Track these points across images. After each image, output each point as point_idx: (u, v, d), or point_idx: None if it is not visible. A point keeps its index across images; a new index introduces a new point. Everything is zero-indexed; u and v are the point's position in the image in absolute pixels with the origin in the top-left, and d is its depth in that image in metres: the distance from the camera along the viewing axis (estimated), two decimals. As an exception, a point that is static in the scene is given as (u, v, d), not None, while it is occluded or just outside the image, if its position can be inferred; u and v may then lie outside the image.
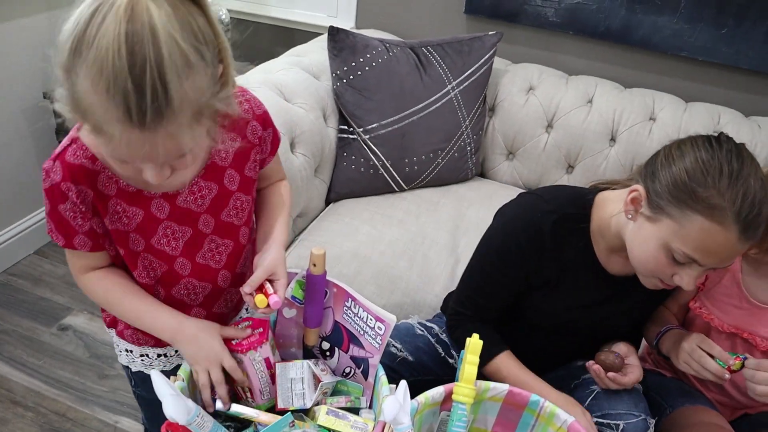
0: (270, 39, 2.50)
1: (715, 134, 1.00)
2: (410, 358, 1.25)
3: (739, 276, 1.20)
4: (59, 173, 0.87)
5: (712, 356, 1.10)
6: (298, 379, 1.09)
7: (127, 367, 1.18)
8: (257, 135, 1.02)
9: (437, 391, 1.04)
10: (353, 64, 1.80)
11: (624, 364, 1.13)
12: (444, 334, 1.32)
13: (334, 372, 1.16)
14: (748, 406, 1.30)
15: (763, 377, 1.06)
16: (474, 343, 1.03)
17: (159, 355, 1.15)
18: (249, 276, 0.99)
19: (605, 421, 1.12)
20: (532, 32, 2.13)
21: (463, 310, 1.23)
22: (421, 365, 1.27)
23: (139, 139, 0.70)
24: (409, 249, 1.67)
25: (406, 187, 1.89)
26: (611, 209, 1.11)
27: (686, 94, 2.01)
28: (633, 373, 1.13)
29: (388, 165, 1.83)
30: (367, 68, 1.80)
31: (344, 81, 1.80)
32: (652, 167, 1.02)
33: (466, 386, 1.02)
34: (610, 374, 1.11)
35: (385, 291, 1.57)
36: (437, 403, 1.06)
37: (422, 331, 1.31)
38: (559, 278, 1.15)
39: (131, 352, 1.15)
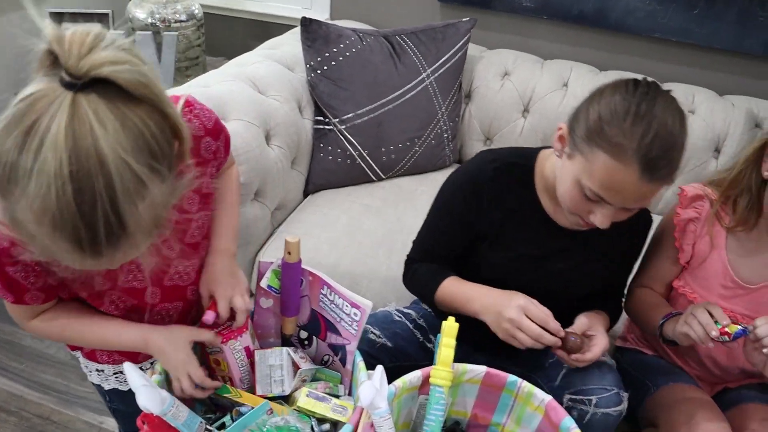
0: (245, 33, 2.48)
1: (640, 78, 1.01)
2: (389, 344, 1.25)
3: (725, 256, 1.21)
4: (6, 239, 0.78)
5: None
6: (277, 366, 1.09)
7: (99, 385, 1.16)
8: (211, 150, 0.99)
9: (415, 375, 1.04)
10: (327, 54, 1.79)
11: (584, 341, 1.11)
12: (422, 320, 1.32)
13: (313, 360, 1.16)
14: (727, 380, 1.32)
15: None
16: (449, 326, 1.03)
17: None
18: None
19: (578, 397, 1.12)
20: (507, 18, 2.12)
21: (413, 255, 1.27)
22: (400, 351, 1.27)
23: (93, 264, 0.67)
24: (387, 237, 1.67)
25: (384, 176, 1.89)
26: (553, 160, 1.12)
27: (661, 75, 2.01)
28: (597, 346, 1.11)
29: (365, 154, 1.83)
30: (340, 58, 1.79)
31: (318, 72, 1.80)
32: (578, 108, 1.03)
33: (443, 369, 1.02)
34: (573, 356, 1.10)
35: (364, 279, 1.57)
36: (415, 387, 1.05)
37: (400, 317, 1.31)
38: (503, 226, 1.15)
39: (102, 371, 1.13)
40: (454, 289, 1.18)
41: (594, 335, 1.13)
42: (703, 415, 1.15)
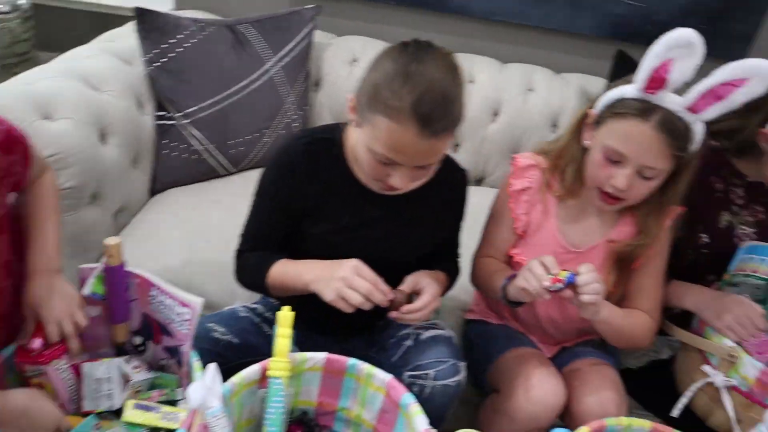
0: (84, 27, 2.32)
1: (409, 40, 1.04)
2: (235, 340, 1.22)
3: (555, 223, 1.28)
4: None
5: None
6: (105, 379, 1.03)
7: None
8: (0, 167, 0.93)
9: (252, 370, 1.02)
10: (164, 46, 1.71)
11: (411, 297, 1.13)
12: (269, 312, 1.30)
13: (150, 366, 1.11)
14: (565, 340, 1.40)
15: (589, 287, 1.09)
16: (283, 316, 1.01)
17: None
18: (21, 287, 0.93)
19: (416, 373, 1.14)
20: (355, 4, 2.13)
21: (240, 248, 1.26)
22: (249, 347, 1.24)
23: None
24: (237, 232, 1.62)
25: (234, 170, 1.84)
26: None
27: (502, 56, 2.10)
28: (425, 293, 1.13)
29: (212, 148, 1.77)
30: (180, 49, 1.72)
31: (157, 65, 1.71)
32: (362, 77, 1.06)
33: (279, 360, 1.01)
34: (403, 308, 1.12)
35: (216, 278, 1.52)
36: (254, 382, 1.03)
37: (246, 313, 1.29)
38: (321, 200, 1.17)
39: None
40: (284, 269, 1.17)
41: (423, 287, 1.15)
42: (536, 372, 1.21)
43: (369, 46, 2.03)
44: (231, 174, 1.85)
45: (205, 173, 1.80)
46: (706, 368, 1.23)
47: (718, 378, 1.20)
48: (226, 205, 1.71)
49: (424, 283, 1.15)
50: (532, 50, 2.13)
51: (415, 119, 0.96)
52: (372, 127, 1.01)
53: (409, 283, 1.16)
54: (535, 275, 1.09)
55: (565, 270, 1.10)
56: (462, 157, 2.02)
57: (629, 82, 1.11)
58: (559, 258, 1.26)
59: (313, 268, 1.13)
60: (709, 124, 1.37)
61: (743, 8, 2.05)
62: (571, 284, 1.09)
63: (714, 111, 1.06)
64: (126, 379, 1.04)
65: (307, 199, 1.17)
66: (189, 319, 1.01)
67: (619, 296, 1.26)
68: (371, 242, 1.19)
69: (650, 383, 1.43)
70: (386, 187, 1.09)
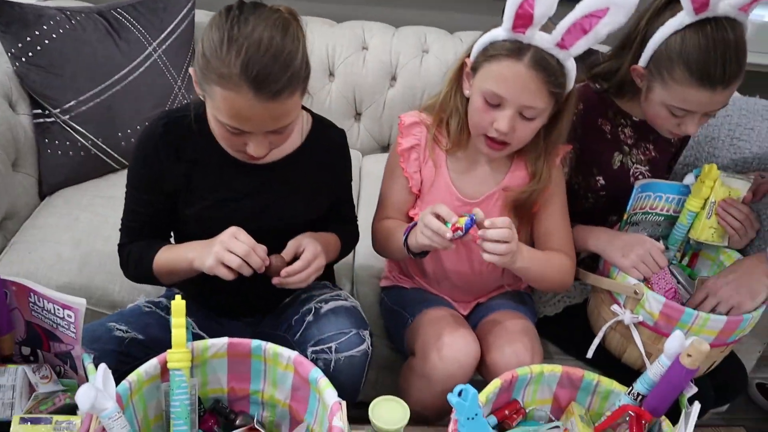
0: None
1: (234, 3, 1.00)
2: (140, 336, 1.16)
3: (447, 176, 1.27)
4: None
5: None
6: (8, 387, 0.97)
7: None
8: None
9: (150, 365, 0.97)
10: (28, 39, 1.59)
11: (285, 260, 1.11)
12: (172, 304, 1.25)
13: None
14: (478, 295, 1.41)
15: (493, 234, 1.08)
16: (177, 305, 0.97)
17: None
18: None
19: (319, 347, 1.12)
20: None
21: (121, 241, 1.21)
22: (156, 342, 1.19)
23: None
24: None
25: (126, 163, 1.75)
26: None
27: (395, 19, 2.08)
28: (307, 251, 1.11)
29: (99, 142, 1.68)
30: (46, 41, 1.61)
31: (23, 60, 1.60)
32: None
33: (177, 351, 0.97)
34: (283, 271, 1.09)
35: (117, 276, 1.44)
36: (155, 377, 0.99)
37: (150, 307, 1.23)
38: (190, 178, 1.14)
39: None
40: (167, 254, 1.14)
41: (304, 248, 1.12)
42: (447, 331, 1.21)
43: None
44: (124, 167, 1.76)
45: (97, 169, 1.71)
46: (615, 308, 1.26)
47: (626, 315, 1.24)
48: (120, 201, 1.62)
49: (304, 243, 1.13)
50: (424, 12, 2.12)
51: (247, 84, 0.93)
52: (211, 99, 0.99)
53: (290, 248, 1.12)
54: (435, 230, 1.07)
55: (462, 216, 1.08)
56: (364, 125, 2.01)
57: (497, 27, 1.11)
58: (458, 211, 1.25)
59: (195, 245, 1.10)
60: (589, 69, 1.40)
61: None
62: (471, 227, 1.07)
63: (582, 45, 1.07)
64: (32, 390, 0.98)
65: (176, 180, 1.13)
66: (74, 322, 0.95)
67: (523, 242, 1.28)
68: (251, 214, 1.16)
69: (568, 328, 1.47)
70: (248, 156, 1.06)
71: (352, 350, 1.11)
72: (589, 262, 1.43)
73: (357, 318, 1.17)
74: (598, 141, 1.38)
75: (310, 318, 1.18)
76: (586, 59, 1.27)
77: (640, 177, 1.41)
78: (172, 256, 1.13)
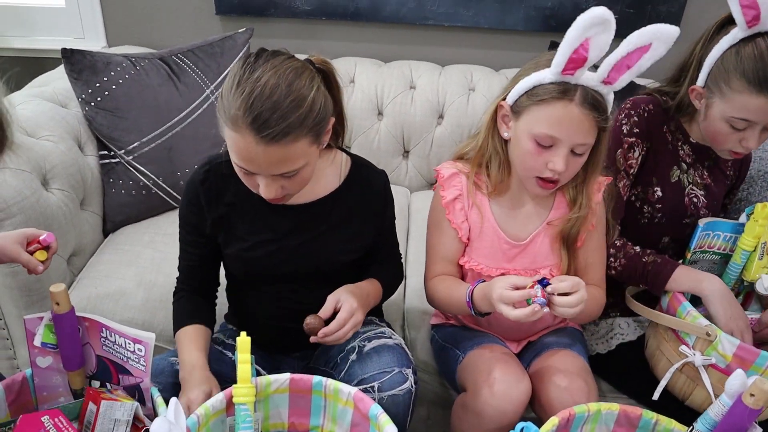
0: (18, 73, 2.28)
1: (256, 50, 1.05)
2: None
3: (493, 221, 1.28)
4: None
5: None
6: (123, 422, 1.02)
7: None
8: None
9: (217, 399, 1.01)
10: (97, 84, 1.69)
11: (322, 320, 1.12)
12: (230, 339, 1.29)
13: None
14: (530, 334, 1.41)
15: (570, 300, 1.08)
16: (242, 342, 1.01)
17: None
18: None
19: (362, 387, 1.12)
20: (287, 23, 2.13)
21: (177, 286, 1.29)
22: (214, 375, 1.23)
23: None
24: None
25: (185, 201, 1.82)
26: None
27: (441, 58, 2.13)
28: (343, 310, 1.12)
29: (160, 182, 1.75)
30: (113, 87, 1.70)
31: (92, 104, 1.69)
32: None
33: (243, 386, 1.00)
34: (319, 333, 1.11)
35: (176, 311, 1.50)
36: (221, 411, 1.02)
37: (207, 342, 1.27)
38: (229, 221, 1.19)
39: None
40: (179, 343, 1.19)
41: (341, 304, 1.14)
42: (498, 367, 1.21)
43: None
44: (182, 205, 1.83)
45: (157, 207, 1.78)
46: (683, 349, 1.24)
47: (697, 357, 1.21)
48: (179, 238, 1.70)
49: (342, 299, 1.15)
50: (468, 50, 2.16)
51: (247, 126, 0.97)
52: (227, 139, 1.03)
53: (328, 305, 1.14)
54: (526, 314, 1.07)
55: (534, 284, 1.09)
56: (412, 162, 2.04)
57: (536, 68, 1.14)
58: (508, 254, 1.28)
59: (188, 367, 1.12)
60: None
61: (667, -10, 2.11)
62: (546, 286, 1.09)
63: (626, 79, 1.10)
64: (140, 424, 1.02)
65: (215, 223, 1.19)
66: (144, 356, 0.99)
67: (571, 275, 1.28)
68: (288, 254, 1.20)
69: (621, 366, 1.45)
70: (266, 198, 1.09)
71: (395, 389, 1.12)
72: (645, 296, 1.42)
73: (401, 356, 1.18)
74: (661, 149, 1.39)
75: (353, 356, 1.19)
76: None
77: (695, 200, 1.42)
78: (180, 348, 1.18)
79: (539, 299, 1.07)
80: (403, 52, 2.13)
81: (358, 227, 1.24)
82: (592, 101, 1.10)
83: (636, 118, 1.35)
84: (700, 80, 1.28)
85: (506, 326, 1.36)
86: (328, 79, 1.11)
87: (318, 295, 1.17)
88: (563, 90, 1.10)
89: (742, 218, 1.35)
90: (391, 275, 1.36)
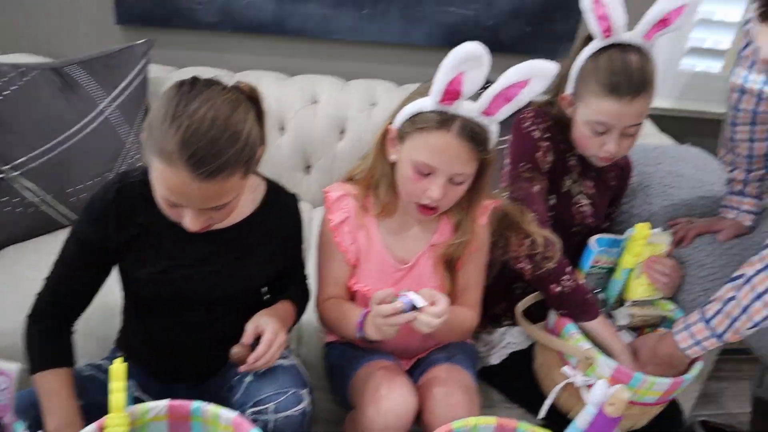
0: None
1: (187, 79, 1.02)
2: (80, 401, 1.16)
3: (381, 243, 1.30)
4: None
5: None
6: None
7: None
8: None
9: (88, 430, 0.99)
10: (-20, 96, 1.62)
11: (248, 347, 1.13)
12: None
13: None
14: (420, 351, 1.43)
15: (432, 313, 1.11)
16: (115, 369, 0.99)
17: None
18: None
19: (258, 408, 1.13)
20: (191, 35, 2.10)
21: (34, 310, 1.18)
22: (96, 407, 1.18)
23: None
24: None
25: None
26: None
27: (345, 73, 2.15)
28: (267, 332, 1.14)
29: (49, 199, 1.69)
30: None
31: (-25, 117, 1.62)
32: None
33: (116, 416, 0.98)
34: (248, 360, 1.12)
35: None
36: (94, 442, 1.00)
37: (91, 371, 1.22)
38: (140, 243, 1.15)
39: None
40: (40, 388, 1.10)
41: (263, 329, 1.15)
42: (385, 383, 1.23)
43: (208, 76, 2.00)
44: (74, 223, 1.77)
45: (45, 226, 1.72)
46: (566, 369, 1.29)
47: (578, 378, 1.27)
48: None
49: (262, 324, 1.15)
50: (372, 65, 2.19)
51: (183, 162, 0.94)
52: (152, 168, 1.00)
53: (248, 332, 1.15)
54: (392, 321, 1.11)
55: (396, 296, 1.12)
56: (315, 179, 2.05)
57: (421, 94, 1.16)
58: (394, 276, 1.30)
59: (55, 417, 1.07)
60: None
61: (563, 8, 2.19)
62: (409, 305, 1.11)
63: (505, 111, 1.14)
64: None
65: (123, 245, 1.14)
66: (6, 388, 0.96)
67: (452, 296, 1.32)
68: (201, 281, 1.18)
69: (512, 376, 1.50)
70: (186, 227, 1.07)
71: (290, 410, 1.12)
72: (535, 312, 1.46)
73: (296, 376, 1.19)
74: (557, 158, 1.43)
75: (249, 378, 1.19)
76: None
77: (582, 209, 1.49)
78: (50, 395, 1.09)
79: (406, 309, 1.10)
80: (308, 66, 2.14)
81: (272, 252, 1.24)
82: (471, 133, 1.13)
83: (543, 125, 1.40)
84: (569, 88, 1.36)
85: (396, 344, 1.38)
86: (257, 107, 1.09)
87: (229, 320, 1.17)
88: (442, 120, 1.13)
89: (627, 233, 1.42)
90: (301, 296, 1.36)
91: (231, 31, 2.09)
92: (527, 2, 2.14)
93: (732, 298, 1.23)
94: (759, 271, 1.20)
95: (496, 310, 1.53)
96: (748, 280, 1.21)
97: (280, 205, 1.24)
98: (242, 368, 1.13)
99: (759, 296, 1.20)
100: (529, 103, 1.19)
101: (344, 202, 1.30)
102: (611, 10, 1.25)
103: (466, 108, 1.12)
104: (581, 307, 1.33)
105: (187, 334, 1.23)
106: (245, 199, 1.20)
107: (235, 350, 1.12)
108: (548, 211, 1.41)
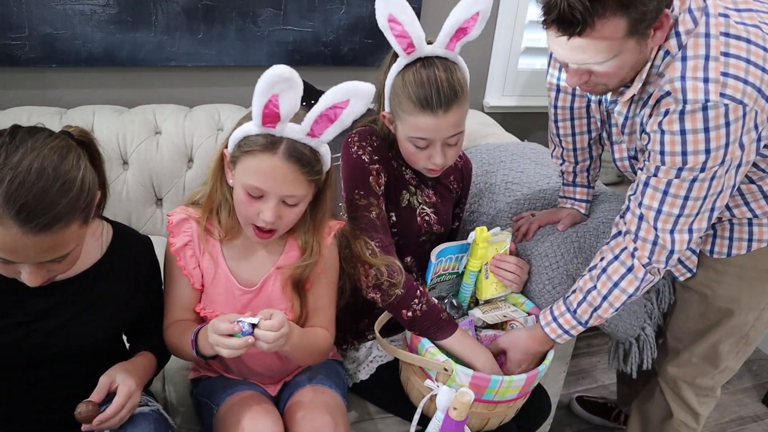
0: None
1: (7, 128, 0.96)
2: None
3: (225, 267, 1.28)
4: None
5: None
6: None
7: None
8: None
9: None
10: None
11: (96, 405, 1.07)
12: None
13: None
14: (284, 375, 1.41)
15: (267, 335, 1.09)
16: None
17: None
18: None
19: None
20: (11, 73, 1.94)
21: None
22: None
23: None
24: None
25: None
26: None
27: (188, 99, 2.08)
28: (120, 393, 1.08)
29: None
30: None
31: None
32: None
33: None
34: (95, 421, 1.05)
35: None
36: None
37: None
38: None
39: None
40: None
41: (116, 386, 1.09)
42: (248, 415, 1.21)
43: (37, 115, 1.86)
44: None
45: None
46: (428, 383, 1.31)
47: (441, 389, 1.26)
48: None
49: (117, 380, 1.09)
50: (215, 90, 2.14)
51: (10, 217, 0.89)
52: None
53: (101, 387, 1.09)
54: (231, 345, 1.07)
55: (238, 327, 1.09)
56: (166, 210, 1.97)
57: (249, 118, 1.15)
58: (241, 300, 1.28)
59: None
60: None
61: (400, 19, 2.25)
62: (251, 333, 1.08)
63: (331, 132, 1.15)
64: None
65: None
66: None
67: (304, 316, 1.32)
68: (45, 336, 1.10)
69: (385, 387, 1.51)
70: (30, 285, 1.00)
71: None
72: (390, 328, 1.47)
73: (157, 422, 1.15)
74: (390, 176, 1.44)
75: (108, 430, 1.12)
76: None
77: (426, 218, 1.51)
78: None
79: (245, 330, 1.07)
80: (146, 96, 2.05)
81: (123, 300, 1.18)
82: (297, 154, 1.13)
83: (370, 148, 1.41)
84: (386, 107, 1.37)
85: (258, 370, 1.36)
86: (91, 151, 1.04)
87: (89, 374, 1.10)
88: (268, 142, 1.12)
89: (470, 237, 1.47)
90: (162, 344, 1.29)
91: (56, 66, 1.96)
92: (364, 15, 2.17)
93: (593, 288, 1.31)
94: (611, 261, 1.29)
95: (359, 326, 1.54)
96: (604, 270, 1.30)
97: (128, 250, 1.19)
98: (85, 428, 1.06)
99: (615, 284, 1.30)
100: (355, 123, 1.20)
101: (186, 226, 1.27)
102: (408, 27, 1.25)
103: (291, 130, 1.12)
104: (436, 326, 1.35)
105: (37, 395, 1.14)
106: (90, 247, 1.14)
107: (81, 408, 1.04)
108: (391, 234, 1.42)
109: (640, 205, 1.24)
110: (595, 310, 1.33)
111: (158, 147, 1.92)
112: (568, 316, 1.35)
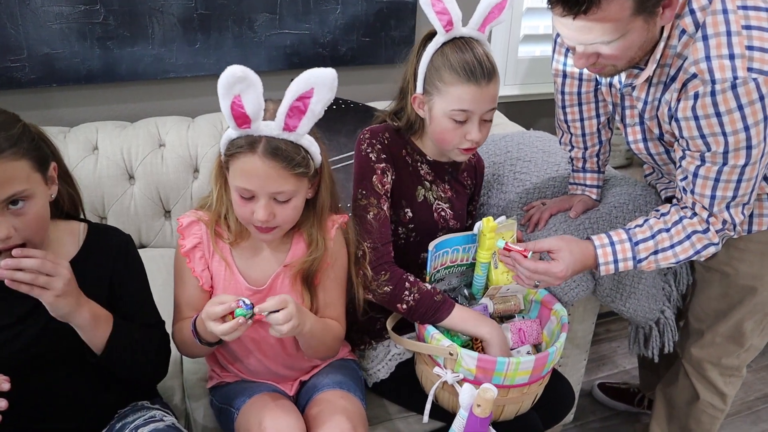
0: None
1: None
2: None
3: (235, 268, 1.29)
4: None
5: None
6: None
7: None
8: None
9: None
10: None
11: None
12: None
13: None
14: (298, 372, 1.42)
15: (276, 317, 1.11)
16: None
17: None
18: None
19: None
20: (14, 95, 1.94)
21: None
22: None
23: None
24: None
25: None
26: None
27: (190, 110, 2.08)
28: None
29: None
30: None
31: None
32: None
33: None
34: None
35: None
36: None
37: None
38: None
39: None
40: None
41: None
42: (269, 414, 1.21)
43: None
44: None
45: None
46: (437, 370, 1.31)
47: (449, 375, 1.30)
48: None
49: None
50: (217, 98, 2.11)
51: None
52: None
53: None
54: (225, 329, 1.08)
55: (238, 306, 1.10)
56: (175, 222, 1.96)
57: None
58: (251, 300, 1.27)
59: None
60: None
61: (397, 16, 2.24)
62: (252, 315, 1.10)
63: (306, 123, 1.15)
64: None
65: None
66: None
67: (315, 313, 1.32)
68: (25, 341, 1.10)
69: (405, 385, 1.50)
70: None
71: None
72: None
73: None
74: (404, 172, 1.46)
75: None
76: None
77: (443, 214, 1.51)
78: None
79: (239, 310, 1.08)
80: (148, 110, 2.05)
81: (103, 296, 1.17)
82: (275, 150, 1.14)
83: (379, 146, 1.41)
84: (418, 88, 1.38)
85: (273, 368, 1.37)
86: (42, 137, 1.10)
87: (76, 376, 1.12)
88: (248, 143, 1.14)
89: (476, 227, 1.45)
90: (162, 342, 1.28)
91: (57, 86, 1.96)
92: (360, 14, 2.17)
93: (665, 230, 1.29)
94: (690, 217, 1.30)
95: (377, 325, 1.53)
96: (680, 220, 1.29)
97: (105, 248, 1.19)
98: None
99: (688, 236, 1.29)
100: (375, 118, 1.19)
101: (195, 228, 1.28)
102: (448, 4, 1.30)
103: (267, 128, 1.13)
104: (432, 309, 1.36)
105: (32, 399, 1.14)
106: (68, 242, 1.16)
107: None
108: (390, 233, 1.43)
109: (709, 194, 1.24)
110: (657, 252, 1.31)
111: (163, 159, 1.91)
112: (627, 245, 1.31)
